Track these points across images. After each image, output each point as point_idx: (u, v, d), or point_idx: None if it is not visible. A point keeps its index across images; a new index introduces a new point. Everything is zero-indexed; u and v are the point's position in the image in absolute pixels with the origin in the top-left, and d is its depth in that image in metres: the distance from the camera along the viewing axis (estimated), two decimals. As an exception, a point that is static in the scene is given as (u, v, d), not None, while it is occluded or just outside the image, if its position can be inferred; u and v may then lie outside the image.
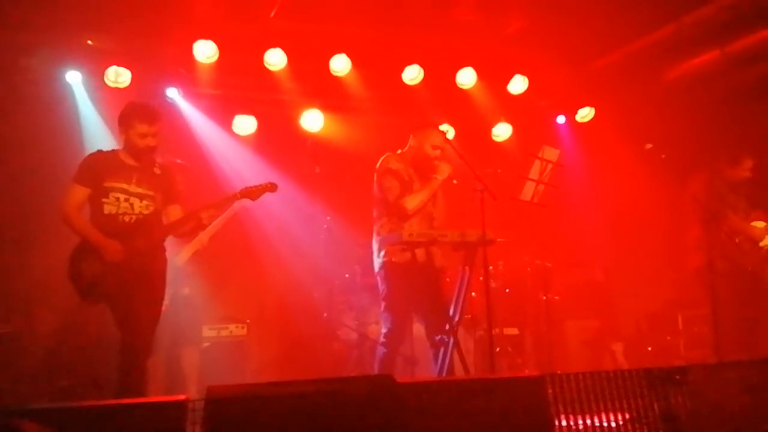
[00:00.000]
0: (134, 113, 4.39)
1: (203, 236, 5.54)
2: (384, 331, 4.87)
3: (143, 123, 4.35)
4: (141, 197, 4.38)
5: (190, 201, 4.83)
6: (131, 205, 4.34)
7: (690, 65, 6.60)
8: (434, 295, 4.90)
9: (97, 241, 4.23)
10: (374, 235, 4.98)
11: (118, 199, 4.32)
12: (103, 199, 4.31)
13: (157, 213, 4.47)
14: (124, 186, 4.34)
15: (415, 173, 4.98)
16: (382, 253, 4.86)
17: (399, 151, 5.10)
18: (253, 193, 4.50)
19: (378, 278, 4.95)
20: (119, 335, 4.23)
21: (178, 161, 5.60)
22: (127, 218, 4.32)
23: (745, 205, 5.92)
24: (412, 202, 4.82)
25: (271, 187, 4.54)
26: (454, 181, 4.87)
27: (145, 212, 4.38)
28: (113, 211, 4.31)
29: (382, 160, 5.00)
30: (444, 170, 4.88)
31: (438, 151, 4.94)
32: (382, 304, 4.91)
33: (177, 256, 5.46)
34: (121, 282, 4.22)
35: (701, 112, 6.67)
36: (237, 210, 5.75)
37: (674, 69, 6.72)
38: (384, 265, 4.86)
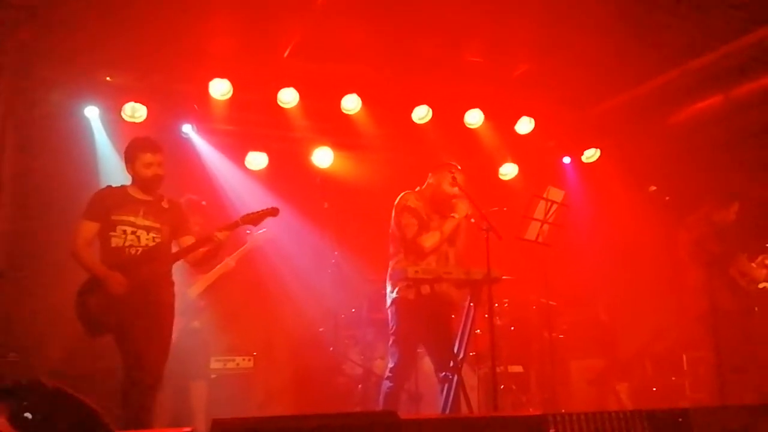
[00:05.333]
0: (137, 145, 4.53)
1: (213, 273, 5.65)
2: (390, 365, 4.91)
3: (146, 152, 4.46)
4: (148, 230, 4.44)
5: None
6: (138, 237, 4.40)
7: (694, 110, 6.72)
8: (443, 332, 4.94)
9: (101, 274, 4.28)
10: (389, 270, 5.03)
11: (125, 231, 4.38)
12: (111, 233, 4.38)
13: (164, 245, 4.51)
14: (131, 219, 4.41)
15: (433, 212, 5.03)
16: (396, 289, 4.92)
17: (417, 189, 5.16)
18: (254, 218, 4.54)
19: (389, 313, 4.99)
20: (123, 368, 4.26)
21: (203, 203, 5.74)
22: (133, 250, 4.38)
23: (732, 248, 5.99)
24: (429, 240, 4.88)
25: (272, 212, 4.57)
26: (472, 220, 4.89)
27: (151, 244, 4.43)
28: (120, 244, 4.37)
29: (401, 198, 5.06)
30: (462, 209, 4.91)
31: (456, 189, 4.97)
32: (391, 339, 4.96)
33: (189, 288, 5.56)
34: (125, 314, 4.25)
35: (705, 156, 6.76)
36: (250, 248, 5.85)
37: (678, 113, 6.84)
38: (395, 301, 4.91)
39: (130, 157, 4.53)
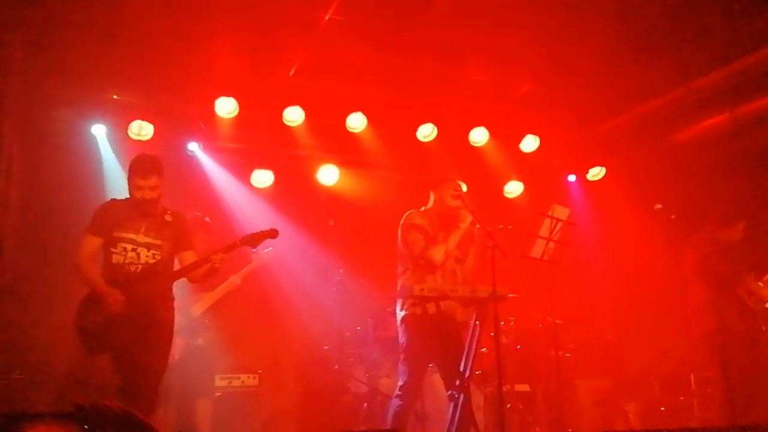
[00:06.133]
0: (131, 166, 4.49)
1: (218, 291, 5.64)
2: (400, 383, 4.88)
3: (136, 176, 4.41)
4: (148, 247, 4.43)
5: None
6: (138, 254, 4.39)
7: (699, 128, 6.71)
8: (453, 349, 4.90)
9: (100, 290, 4.28)
10: (398, 289, 5.03)
11: (125, 249, 4.38)
12: (112, 249, 4.38)
13: (164, 262, 4.49)
14: (132, 236, 4.40)
15: (439, 228, 5.04)
16: (404, 306, 4.92)
17: (422, 209, 5.18)
18: (253, 240, 4.50)
19: (399, 330, 4.98)
20: (120, 386, 4.24)
21: (207, 219, 5.74)
22: (132, 268, 4.38)
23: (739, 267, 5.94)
24: (438, 252, 4.89)
25: (272, 234, 4.54)
26: (477, 226, 4.89)
27: (151, 261, 4.42)
28: (120, 261, 4.37)
29: (406, 217, 5.08)
30: (466, 217, 4.92)
31: (458, 201, 4.99)
32: (401, 356, 4.94)
33: (193, 306, 5.55)
34: (122, 332, 4.24)
35: (710, 174, 6.75)
36: (256, 267, 5.85)
37: (683, 131, 6.84)
38: (405, 318, 4.90)
39: (128, 175, 4.50)
